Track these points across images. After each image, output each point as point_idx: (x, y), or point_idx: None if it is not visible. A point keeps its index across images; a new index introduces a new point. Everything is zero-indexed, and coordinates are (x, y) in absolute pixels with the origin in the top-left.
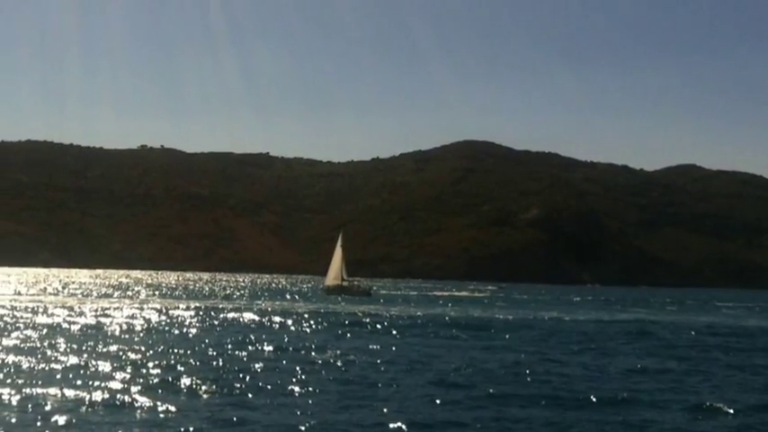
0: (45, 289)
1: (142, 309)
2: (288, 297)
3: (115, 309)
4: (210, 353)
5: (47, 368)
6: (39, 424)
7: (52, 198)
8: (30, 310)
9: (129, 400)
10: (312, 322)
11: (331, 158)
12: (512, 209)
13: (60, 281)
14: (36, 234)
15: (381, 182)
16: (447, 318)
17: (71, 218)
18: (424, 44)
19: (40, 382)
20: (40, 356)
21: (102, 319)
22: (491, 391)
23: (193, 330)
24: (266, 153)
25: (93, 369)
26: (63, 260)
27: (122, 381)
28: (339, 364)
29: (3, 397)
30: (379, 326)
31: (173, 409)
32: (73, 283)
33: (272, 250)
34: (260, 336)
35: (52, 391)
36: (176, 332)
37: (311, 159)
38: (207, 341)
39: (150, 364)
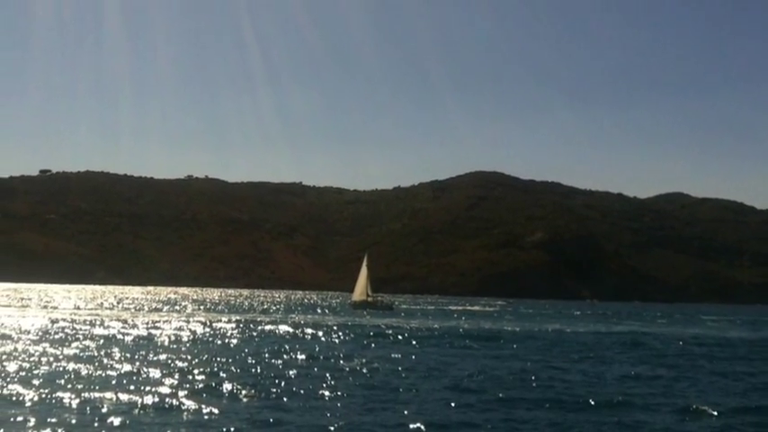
0: (101, 304)
1: (188, 321)
2: (318, 311)
3: (164, 321)
4: (249, 361)
5: (103, 374)
6: (96, 425)
7: (108, 223)
8: (88, 322)
9: (177, 403)
10: (340, 333)
11: (357, 187)
12: (519, 232)
13: (115, 297)
14: (93, 255)
15: (402, 208)
16: (461, 329)
17: (125, 240)
18: (440, 85)
19: (97, 387)
20: (97, 364)
21: (153, 331)
22: (500, 395)
23: (234, 341)
24: (299, 182)
25: (144, 375)
26: (117, 278)
27: (170, 386)
28: (364, 371)
29: (64, 400)
30: (400, 337)
31: (215, 411)
32: (126, 298)
33: (304, 269)
34: (293, 345)
35: (108, 395)
36: (219, 342)
37: (340, 188)
38: (246, 350)
39: (195, 371)
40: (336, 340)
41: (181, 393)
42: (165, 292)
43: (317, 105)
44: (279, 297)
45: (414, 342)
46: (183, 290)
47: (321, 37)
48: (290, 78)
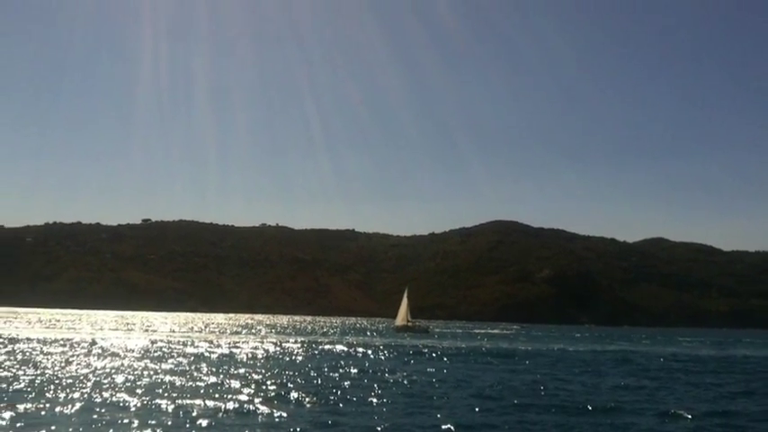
0: (192, 328)
1: (262, 342)
2: (368, 334)
3: (243, 342)
4: (312, 374)
5: (193, 385)
6: (187, 426)
7: (197, 262)
8: (181, 343)
9: (253, 408)
10: (386, 352)
11: (399, 233)
12: (530, 270)
13: (203, 322)
14: (185, 288)
15: (435, 250)
16: (483, 348)
17: (211, 276)
18: (466, 149)
19: (188, 395)
20: (188, 376)
21: (233, 350)
22: (515, 401)
23: (299, 357)
24: (352, 229)
25: (226, 386)
26: (205, 307)
27: (248, 394)
28: (405, 382)
29: (161, 407)
30: (434, 354)
31: (284, 414)
32: (212, 323)
33: (356, 300)
34: (347, 361)
35: (197, 401)
36: (287, 359)
37: (385, 234)
38: (309, 365)
39: (268, 382)
40: (382, 357)
41: (256, 400)
42: (244, 318)
43: (366, 166)
44: (335, 322)
45: (445, 359)
46: (258, 316)
47: (369, 111)
48: (344, 144)
